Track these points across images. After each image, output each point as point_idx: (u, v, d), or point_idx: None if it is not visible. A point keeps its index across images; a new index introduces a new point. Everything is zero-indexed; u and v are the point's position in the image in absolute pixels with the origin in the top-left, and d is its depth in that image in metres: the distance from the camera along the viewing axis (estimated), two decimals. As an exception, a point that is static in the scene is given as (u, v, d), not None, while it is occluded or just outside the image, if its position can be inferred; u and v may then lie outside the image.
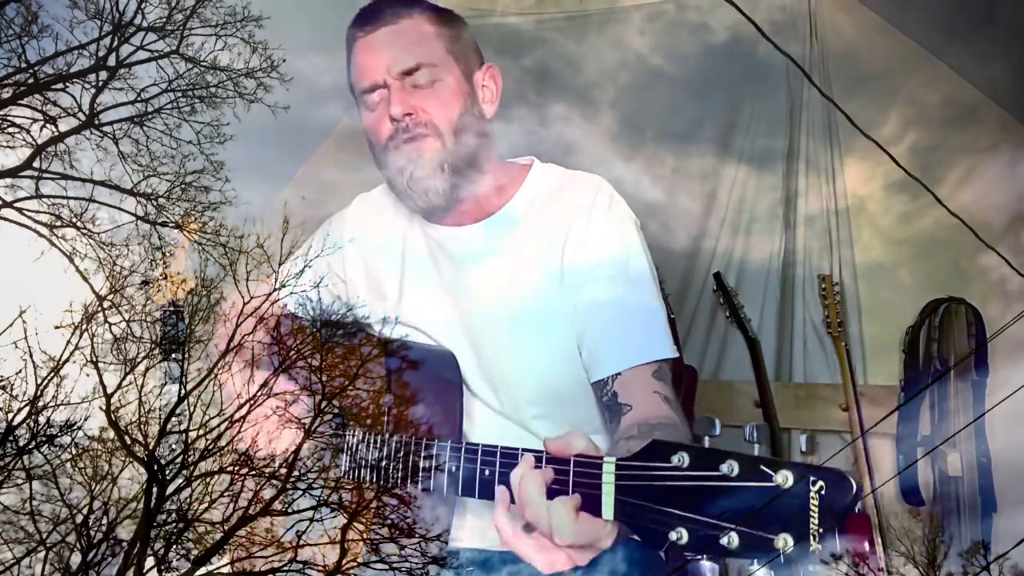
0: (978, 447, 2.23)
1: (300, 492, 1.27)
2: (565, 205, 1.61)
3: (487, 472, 1.22)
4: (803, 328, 2.58)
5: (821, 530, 0.88)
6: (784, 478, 0.90)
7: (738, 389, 2.60)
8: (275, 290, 1.31)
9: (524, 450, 1.18)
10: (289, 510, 1.25)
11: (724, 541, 0.93)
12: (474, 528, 1.58)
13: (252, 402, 1.28)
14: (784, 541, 0.89)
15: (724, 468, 0.94)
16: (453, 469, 1.27)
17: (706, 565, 1.00)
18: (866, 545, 2.20)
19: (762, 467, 0.92)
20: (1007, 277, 2.32)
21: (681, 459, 0.98)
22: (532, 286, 1.58)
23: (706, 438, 0.94)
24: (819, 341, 2.55)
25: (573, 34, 2.71)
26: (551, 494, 1.10)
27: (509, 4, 2.70)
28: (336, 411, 1.36)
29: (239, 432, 1.27)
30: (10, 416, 1.18)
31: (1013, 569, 1.50)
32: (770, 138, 2.67)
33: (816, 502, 0.88)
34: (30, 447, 1.19)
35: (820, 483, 0.88)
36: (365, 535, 1.27)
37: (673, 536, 0.97)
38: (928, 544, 1.84)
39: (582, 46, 2.70)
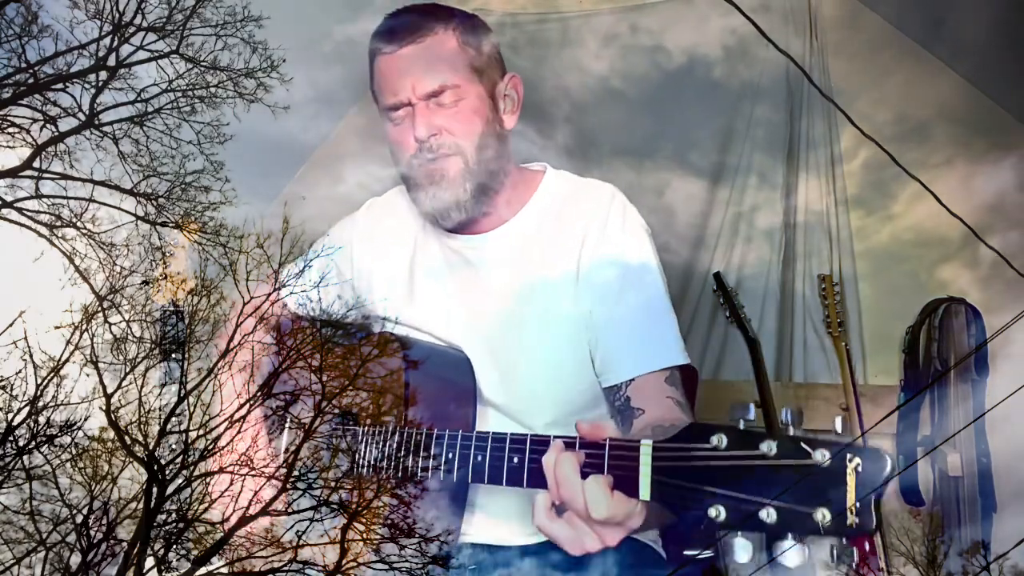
0: (978, 447, 2.22)
1: (300, 492, 1.27)
2: (580, 212, 1.63)
3: (515, 459, 1.23)
4: (803, 328, 2.58)
5: (858, 504, 0.90)
6: (822, 455, 0.93)
7: (738, 389, 2.60)
8: (275, 290, 1.31)
9: (555, 436, 1.19)
10: (289, 510, 1.25)
11: (763, 515, 0.94)
12: (483, 524, 1.59)
13: (251, 403, 1.28)
14: (823, 515, 0.91)
15: (763, 447, 0.96)
16: (479, 459, 1.29)
17: (740, 542, 1.01)
18: (866, 545, 2.20)
19: (801, 445, 0.94)
20: (966, 290, 2.34)
21: (720, 440, 1.00)
22: (548, 292, 1.59)
23: (741, 421, 0.96)
24: (819, 341, 2.55)
25: (531, 56, 2.76)
26: (584, 476, 1.12)
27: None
28: (338, 411, 1.36)
29: (239, 432, 1.27)
30: (10, 416, 1.18)
31: (1013, 569, 1.50)
32: (773, 142, 2.68)
33: (853, 478, 0.90)
34: (30, 447, 1.19)
35: (857, 460, 0.91)
36: (365, 535, 1.27)
37: (712, 512, 0.98)
38: (928, 544, 1.84)
39: (541, 67, 2.75)
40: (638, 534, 1.65)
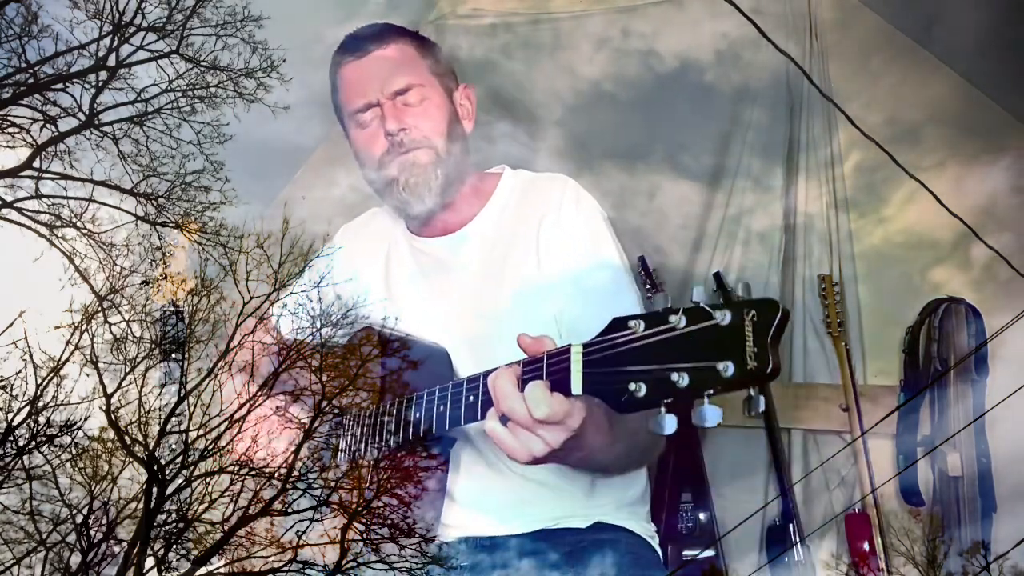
0: (978, 447, 2.22)
1: (300, 492, 1.27)
2: (535, 202, 1.72)
3: (471, 398, 1.30)
4: (803, 328, 2.58)
5: (756, 350, 0.95)
6: (723, 315, 0.98)
7: (738, 389, 2.59)
8: (275, 290, 1.31)
9: (506, 366, 1.26)
10: (289, 510, 1.25)
11: (675, 378, 1.00)
12: (460, 519, 1.60)
13: (251, 403, 1.28)
14: (725, 366, 0.96)
15: (672, 320, 1.03)
16: (441, 409, 1.36)
17: (667, 419, 1.05)
18: (866, 545, 2.20)
19: (705, 311, 1.00)
20: (959, 292, 2.35)
21: (637, 324, 1.07)
22: (515, 281, 1.66)
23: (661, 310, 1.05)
24: (819, 341, 2.55)
25: (523, 60, 2.78)
26: (526, 386, 1.18)
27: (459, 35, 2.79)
28: (336, 411, 1.36)
29: (239, 432, 1.27)
30: (10, 416, 1.18)
31: (1013, 569, 1.50)
32: (767, 145, 2.69)
33: (750, 328, 0.96)
34: (30, 447, 1.19)
35: (752, 311, 0.96)
36: (365, 535, 1.27)
37: (632, 387, 1.04)
38: (928, 544, 1.84)
39: (533, 71, 2.77)
40: (632, 526, 1.66)
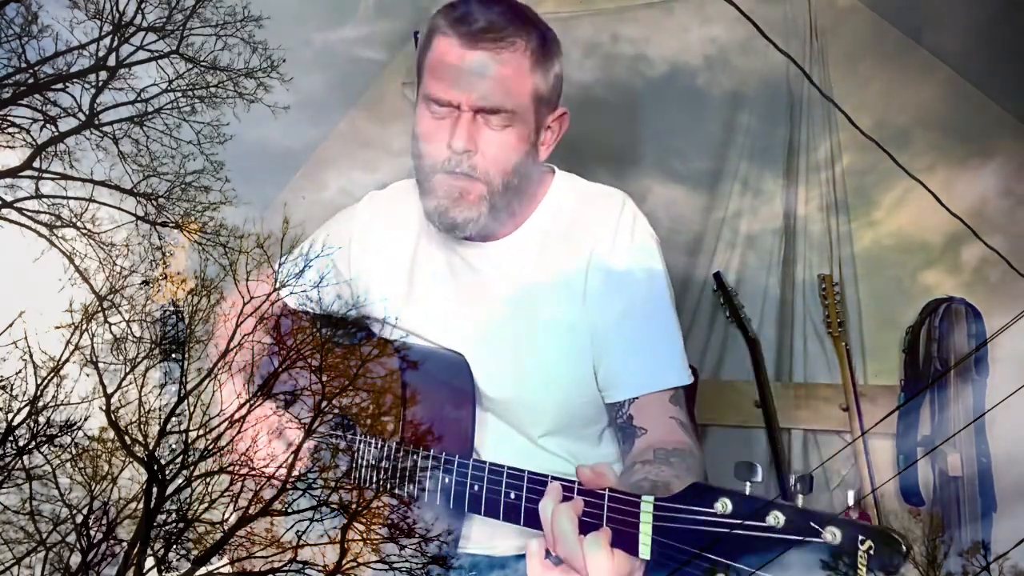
0: (978, 447, 2.23)
1: (300, 492, 1.27)
2: (589, 223, 1.59)
3: (512, 495, 1.20)
4: (803, 328, 2.58)
5: None
6: (832, 535, 0.88)
7: (738, 389, 2.60)
8: (275, 290, 1.31)
9: (553, 477, 1.16)
10: (289, 510, 1.25)
11: None
12: (481, 534, 1.58)
13: (251, 403, 1.28)
14: None
15: (770, 520, 0.92)
16: (476, 488, 1.27)
17: None
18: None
19: (810, 522, 0.89)
20: (951, 295, 2.35)
21: (724, 506, 0.96)
22: (553, 302, 1.57)
23: (747, 484, 0.88)
24: (819, 341, 2.55)
25: None
26: (583, 526, 1.08)
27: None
28: (337, 411, 1.36)
29: (239, 432, 1.27)
30: (10, 416, 1.18)
31: (1013, 569, 1.50)
32: (763, 148, 2.69)
33: (864, 561, 0.86)
34: (30, 447, 1.19)
35: (869, 543, 0.86)
36: (365, 535, 1.27)
37: None
38: (928, 544, 1.84)
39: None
40: None
